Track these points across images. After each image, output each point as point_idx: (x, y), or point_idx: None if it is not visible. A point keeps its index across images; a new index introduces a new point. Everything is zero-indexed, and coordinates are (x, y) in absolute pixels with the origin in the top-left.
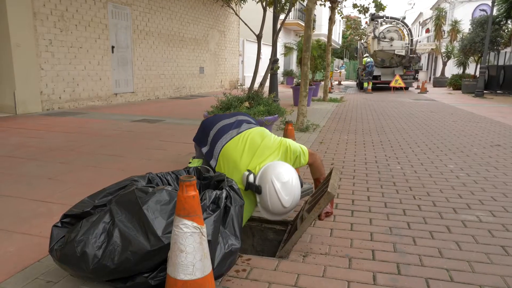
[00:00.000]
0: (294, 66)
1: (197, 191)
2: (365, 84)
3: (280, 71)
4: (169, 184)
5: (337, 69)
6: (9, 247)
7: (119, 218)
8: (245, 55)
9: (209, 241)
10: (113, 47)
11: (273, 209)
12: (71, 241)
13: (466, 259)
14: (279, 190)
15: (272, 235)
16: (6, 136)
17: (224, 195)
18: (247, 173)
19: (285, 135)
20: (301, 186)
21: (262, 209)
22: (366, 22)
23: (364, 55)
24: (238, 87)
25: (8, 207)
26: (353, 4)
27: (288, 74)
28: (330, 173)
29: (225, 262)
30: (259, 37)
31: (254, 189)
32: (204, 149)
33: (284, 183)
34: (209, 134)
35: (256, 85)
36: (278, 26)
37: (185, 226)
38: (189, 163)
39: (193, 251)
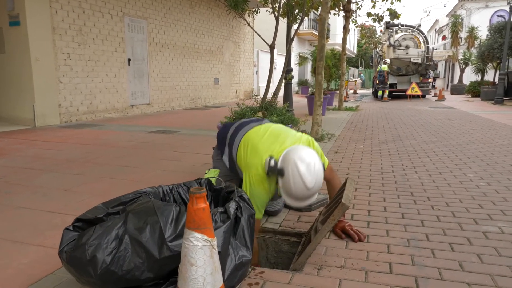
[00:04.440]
0: (309, 76)
1: (207, 203)
2: (380, 92)
3: (294, 80)
4: (181, 197)
5: (352, 78)
6: (23, 259)
7: (131, 226)
8: (259, 65)
9: (219, 253)
10: (129, 59)
11: (296, 191)
12: (82, 244)
13: (489, 273)
14: (302, 171)
15: (286, 247)
16: (25, 148)
17: (234, 205)
18: (268, 158)
19: None
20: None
21: (285, 195)
22: (381, 31)
23: (382, 62)
24: (253, 97)
25: (24, 219)
26: (368, 12)
27: (302, 83)
28: (345, 184)
29: (236, 274)
30: (271, 47)
31: (276, 172)
32: (225, 151)
33: (308, 164)
34: (226, 137)
35: (270, 95)
36: (292, 35)
37: (195, 239)
38: (205, 173)
39: (203, 265)
